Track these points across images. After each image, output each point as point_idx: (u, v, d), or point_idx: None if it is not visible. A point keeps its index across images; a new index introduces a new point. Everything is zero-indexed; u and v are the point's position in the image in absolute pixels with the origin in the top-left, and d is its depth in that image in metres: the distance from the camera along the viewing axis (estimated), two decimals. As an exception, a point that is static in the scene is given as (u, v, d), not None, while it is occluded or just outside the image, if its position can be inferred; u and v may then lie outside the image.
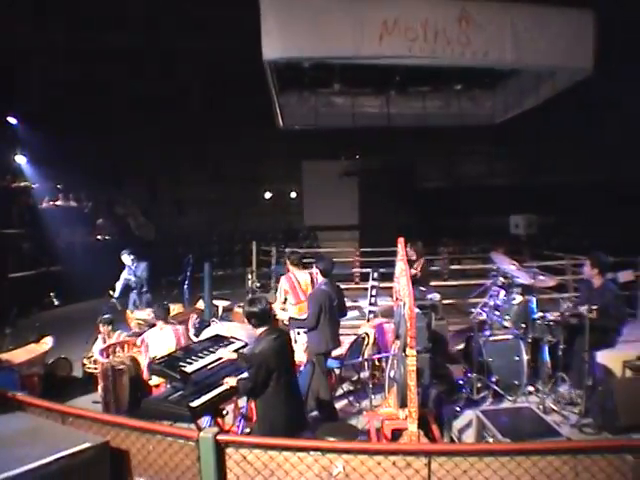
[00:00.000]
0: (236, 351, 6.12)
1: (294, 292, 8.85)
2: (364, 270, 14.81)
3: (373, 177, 24.35)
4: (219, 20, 13.21)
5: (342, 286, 8.62)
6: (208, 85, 17.73)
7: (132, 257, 11.94)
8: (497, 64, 11.97)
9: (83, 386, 9.30)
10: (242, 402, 6.64)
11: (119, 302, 11.78)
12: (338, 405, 8.05)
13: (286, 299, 8.77)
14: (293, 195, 27.56)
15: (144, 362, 7.60)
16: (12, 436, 3.65)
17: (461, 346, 9.04)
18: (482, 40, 11.13)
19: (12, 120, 17.39)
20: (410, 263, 9.42)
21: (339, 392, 8.51)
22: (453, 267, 16.41)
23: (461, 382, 8.14)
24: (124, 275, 11.91)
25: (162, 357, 6.18)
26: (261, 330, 5.43)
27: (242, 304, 11.60)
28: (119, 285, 11.89)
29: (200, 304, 11.92)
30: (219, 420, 5.91)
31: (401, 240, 6.06)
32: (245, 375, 5.44)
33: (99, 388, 7.81)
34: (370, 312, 10.61)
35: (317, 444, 3.55)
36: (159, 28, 13.56)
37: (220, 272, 15.67)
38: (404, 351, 5.18)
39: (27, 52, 14.12)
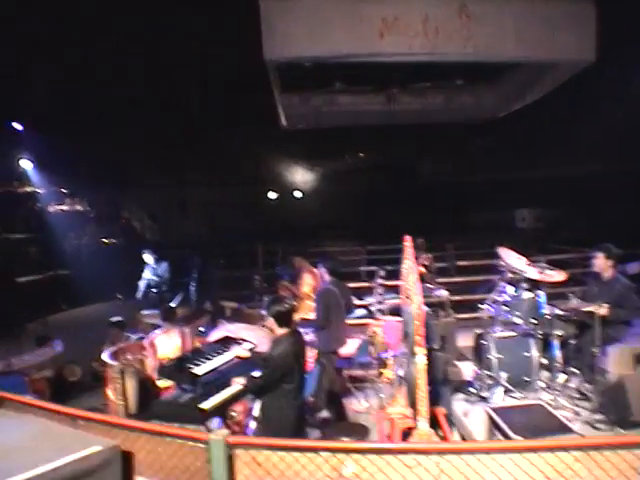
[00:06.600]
0: (249, 351, 6.12)
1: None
2: (370, 268, 14.75)
3: (377, 175, 24.41)
4: (218, 20, 13.17)
5: (348, 284, 8.61)
6: (211, 86, 17.70)
7: (154, 257, 12.00)
8: (498, 58, 11.93)
9: (92, 389, 9.31)
10: (252, 403, 6.62)
11: (128, 304, 11.80)
12: (347, 404, 8.04)
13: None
14: (298, 195, 27.57)
15: (152, 364, 7.59)
16: (22, 440, 3.64)
17: (470, 343, 8.99)
18: (483, 34, 11.10)
19: (17, 125, 17.44)
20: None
21: (348, 391, 8.49)
22: (459, 263, 16.31)
23: (471, 379, 8.12)
24: (146, 275, 11.96)
25: (171, 359, 6.18)
26: (282, 331, 5.43)
27: (251, 305, 11.69)
28: (141, 284, 11.95)
29: (207, 306, 11.90)
30: (229, 421, 5.90)
31: (408, 238, 6.01)
32: (256, 374, 5.43)
33: (108, 391, 7.80)
34: (378, 310, 10.59)
35: (327, 444, 3.52)
36: (158, 29, 13.52)
37: (226, 273, 15.65)
38: (413, 349, 5.15)
39: (29, 57, 14.12)
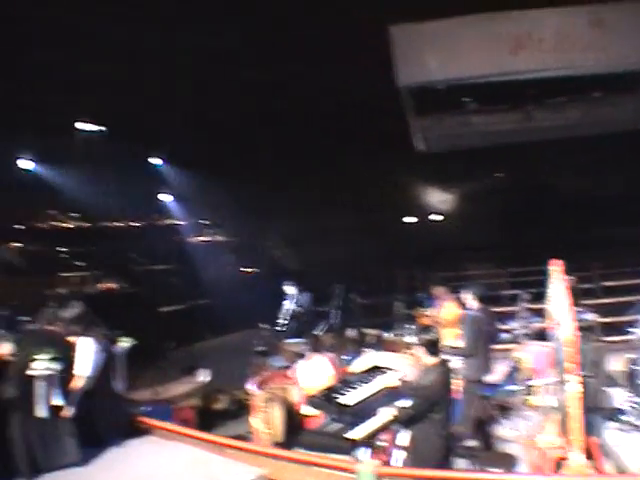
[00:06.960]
0: (399, 380, 6.19)
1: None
2: (513, 292, 14.38)
3: (514, 194, 23.88)
4: (351, 47, 13.36)
5: (491, 308, 8.50)
6: (346, 112, 17.92)
7: (297, 288, 12.29)
8: (636, 66, 11.46)
9: (237, 417, 9.59)
10: (398, 432, 6.62)
11: (270, 333, 12.07)
12: (494, 433, 7.90)
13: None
14: (435, 217, 27.33)
15: (297, 393, 7.76)
16: (174, 467, 3.85)
17: (621, 368, 8.61)
18: (618, 43, 10.78)
19: (156, 161, 18.44)
20: None
21: (494, 419, 8.34)
22: (606, 283, 15.60)
23: (624, 407, 7.77)
24: (288, 306, 12.24)
25: (322, 390, 6.32)
26: (432, 360, 5.48)
27: (393, 332, 11.69)
28: (285, 315, 12.23)
29: (350, 333, 12.01)
30: (377, 451, 5.94)
31: (557, 262, 5.86)
32: (405, 403, 5.47)
33: (253, 419, 8.02)
34: (523, 335, 10.35)
35: (476, 475, 3.53)
36: (290, 60, 13.86)
37: (367, 300, 15.69)
38: (564, 377, 5.04)
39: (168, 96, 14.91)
